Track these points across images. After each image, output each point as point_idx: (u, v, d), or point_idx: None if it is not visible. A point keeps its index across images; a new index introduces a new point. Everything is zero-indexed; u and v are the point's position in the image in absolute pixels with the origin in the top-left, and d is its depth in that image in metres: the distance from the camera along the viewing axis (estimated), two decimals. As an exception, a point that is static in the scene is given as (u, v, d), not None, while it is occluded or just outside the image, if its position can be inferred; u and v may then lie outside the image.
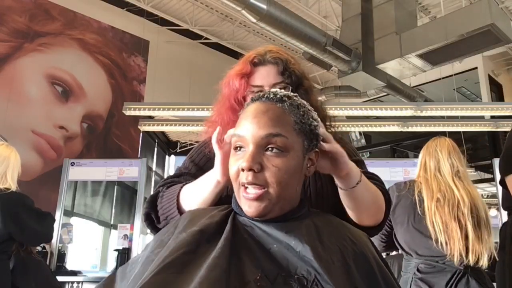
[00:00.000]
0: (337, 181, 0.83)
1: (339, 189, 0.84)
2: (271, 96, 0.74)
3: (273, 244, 0.69)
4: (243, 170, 0.70)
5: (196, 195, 0.86)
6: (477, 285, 1.58)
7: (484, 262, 1.59)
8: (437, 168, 1.73)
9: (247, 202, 0.70)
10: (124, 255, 3.57)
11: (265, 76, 0.99)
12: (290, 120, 0.72)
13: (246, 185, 0.71)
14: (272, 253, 0.68)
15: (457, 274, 1.60)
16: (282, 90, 0.77)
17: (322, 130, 0.78)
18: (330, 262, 0.66)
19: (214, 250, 0.65)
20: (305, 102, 0.77)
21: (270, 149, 0.70)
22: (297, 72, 1.00)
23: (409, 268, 1.70)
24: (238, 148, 0.73)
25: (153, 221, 0.91)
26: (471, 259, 1.57)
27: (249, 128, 0.71)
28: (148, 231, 4.25)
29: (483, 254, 1.59)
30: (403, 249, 1.75)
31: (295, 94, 0.77)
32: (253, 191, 0.70)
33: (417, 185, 1.71)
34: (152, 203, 0.91)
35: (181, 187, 0.89)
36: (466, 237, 1.59)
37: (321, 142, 0.77)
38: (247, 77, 0.99)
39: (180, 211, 0.87)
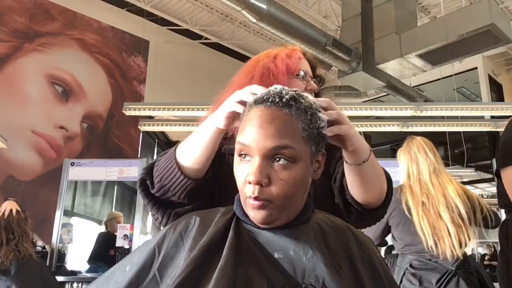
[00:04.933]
0: (344, 154, 0.81)
1: (345, 164, 0.83)
2: (277, 99, 0.70)
3: (279, 251, 0.67)
4: (249, 182, 0.68)
5: (193, 144, 0.84)
6: (466, 287, 1.63)
7: (466, 249, 1.69)
8: (418, 172, 1.82)
9: (253, 210, 0.69)
10: (124, 255, 3.57)
11: (307, 67, 1.07)
12: (297, 128, 0.69)
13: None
14: (278, 260, 0.66)
15: (448, 273, 1.66)
16: (287, 88, 0.73)
17: (327, 114, 0.74)
18: (338, 268, 0.66)
19: (220, 259, 0.64)
20: (311, 102, 0.73)
21: (277, 159, 0.68)
22: (319, 78, 1.09)
23: (403, 263, 1.78)
24: (243, 156, 0.70)
25: (147, 187, 0.89)
26: (459, 251, 1.65)
27: (255, 138, 0.68)
28: (148, 231, 4.26)
29: (468, 241, 1.68)
30: (399, 246, 1.83)
31: (300, 93, 0.73)
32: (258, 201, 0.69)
33: (404, 193, 1.80)
34: (149, 170, 0.89)
35: (177, 145, 0.87)
36: (449, 232, 1.67)
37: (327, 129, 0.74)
38: (299, 58, 1.04)
39: (180, 167, 0.84)
